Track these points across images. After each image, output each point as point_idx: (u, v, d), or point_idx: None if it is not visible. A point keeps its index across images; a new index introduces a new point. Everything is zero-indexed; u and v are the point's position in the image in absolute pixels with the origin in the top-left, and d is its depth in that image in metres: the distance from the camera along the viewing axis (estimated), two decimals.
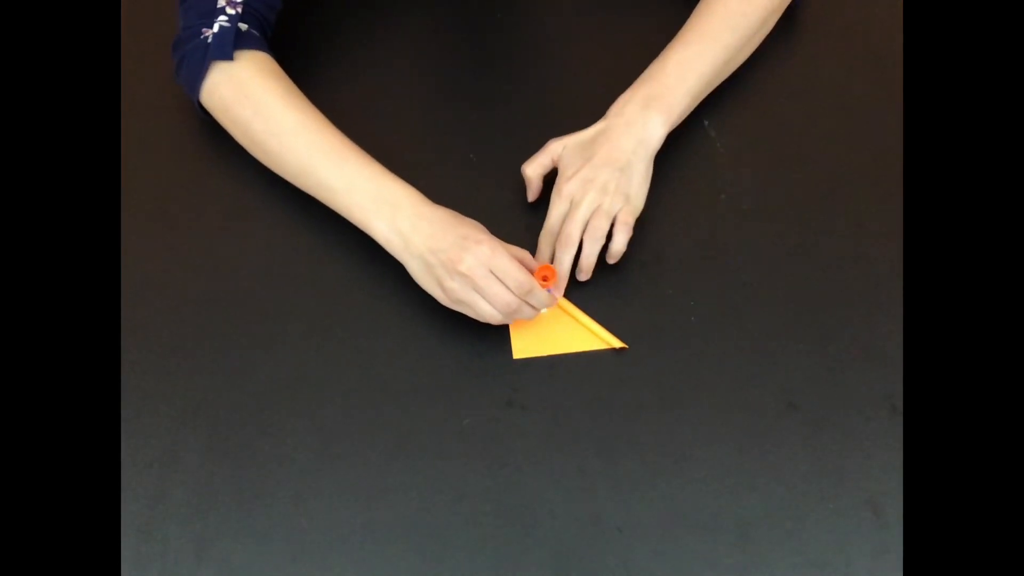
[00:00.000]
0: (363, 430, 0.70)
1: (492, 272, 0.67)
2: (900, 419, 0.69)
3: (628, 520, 0.66)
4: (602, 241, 0.74)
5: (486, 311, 0.68)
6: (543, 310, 0.72)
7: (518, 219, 0.79)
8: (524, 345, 0.73)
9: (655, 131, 0.76)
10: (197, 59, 0.76)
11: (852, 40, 0.90)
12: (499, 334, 0.74)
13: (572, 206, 0.74)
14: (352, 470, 0.68)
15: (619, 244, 0.74)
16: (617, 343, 0.73)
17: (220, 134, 0.80)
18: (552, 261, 0.75)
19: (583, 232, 0.74)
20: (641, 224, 0.77)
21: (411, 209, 0.71)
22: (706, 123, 0.84)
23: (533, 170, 0.78)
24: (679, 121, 0.79)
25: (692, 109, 0.80)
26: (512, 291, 0.68)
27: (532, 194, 0.79)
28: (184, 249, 0.79)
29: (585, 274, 0.75)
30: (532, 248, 0.76)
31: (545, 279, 0.71)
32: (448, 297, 0.69)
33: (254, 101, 0.75)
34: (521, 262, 0.70)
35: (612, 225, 0.74)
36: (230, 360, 0.73)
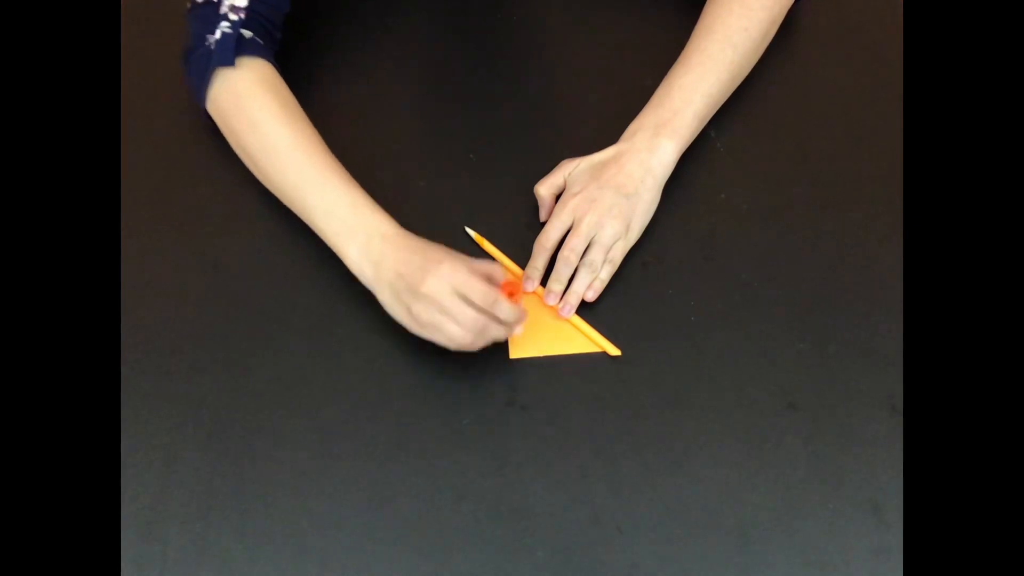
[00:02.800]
0: (363, 430, 0.70)
1: (456, 291, 0.66)
2: (900, 419, 0.69)
3: (628, 520, 0.66)
4: (595, 274, 0.74)
5: (455, 332, 0.67)
6: (517, 329, 0.70)
7: (517, 219, 0.79)
8: (520, 345, 0.73)
9: (665, 157, 0.77)
10: (202, 67, 0.76)
11: (852, 40, 0.90)
12: None
13: (575, 222, 0.75)
14: (352, 470, 0.68)
15: (602, 278, 0.75)
16: (612, 349, 0.73)
17: (220, 135, 0.80)
18: (546, 272, 0.75)
19: (583, 252, 0.74)
20: None
21: (382, 237, 0.70)
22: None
23: (546, 190, 0.77)
24: (690, 142, 0.79)
25: (702, 128, 0.81)
26: (477, 305, 0.66)
27: (544, 213, 0.78)
28: (184, 249, 0.79)
29: (569, 309, 0.74)
30: (526, 248, 0.76)
31: (511, 295, 0.69)
32: (416, 322, 0.68)
33: (249, 115, 0.75)
34: (489, 277, 0.68)
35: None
36: (230, 360, 0.73)
